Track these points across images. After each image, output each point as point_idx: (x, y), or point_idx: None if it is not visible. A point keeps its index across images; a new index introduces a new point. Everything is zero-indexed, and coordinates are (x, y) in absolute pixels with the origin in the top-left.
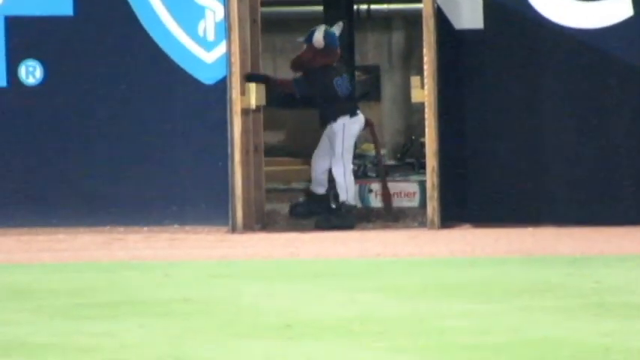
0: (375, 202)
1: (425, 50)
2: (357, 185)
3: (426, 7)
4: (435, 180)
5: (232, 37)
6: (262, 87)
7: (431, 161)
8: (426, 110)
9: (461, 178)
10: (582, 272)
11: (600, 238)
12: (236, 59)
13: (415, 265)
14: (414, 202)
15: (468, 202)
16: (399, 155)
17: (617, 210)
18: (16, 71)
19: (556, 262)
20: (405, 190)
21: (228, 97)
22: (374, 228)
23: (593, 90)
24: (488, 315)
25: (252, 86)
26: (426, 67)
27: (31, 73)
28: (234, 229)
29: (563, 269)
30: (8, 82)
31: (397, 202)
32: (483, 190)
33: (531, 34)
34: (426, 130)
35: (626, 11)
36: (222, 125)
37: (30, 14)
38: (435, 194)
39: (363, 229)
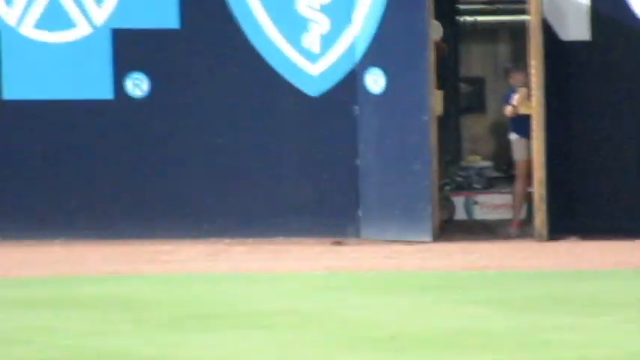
0: (480, 214)
1: (532, 62)
2: (463, 197)
3: (533, 19)
4: (543, 192)
5: None
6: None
7: (538, 173)
8: (534, 122)
9: (568, 191)
10: None
11: None
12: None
13: (521, 277)
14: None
15: (576, 214)
16: (504, 167)
17: None
18: (123, 84)
19: None
20: (511, 202)
21: (427, 104)
22: (478, 240)
23: None
24: (593, 328)
25: (440, 93)
26: (533, 79)
27: (137, 86)
28: (434, 238)
29: None
30: (115, 94)
31: (503, 214)
32: (591, 202)
33: (638, 45)
34: (534, 141)
35: None
36: (327, 137)
37: (137, 27)
38: (543, 206)
39: (468, 240)
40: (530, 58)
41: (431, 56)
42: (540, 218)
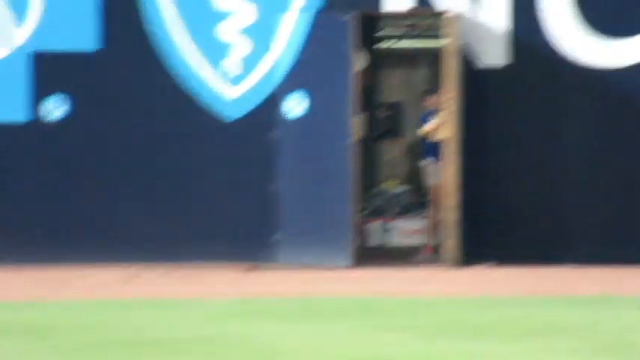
0: (396, 239)
1: (448, 88)
2: (379, 223)
3: (449, 45)
4: (457, 217)
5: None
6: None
7: (452, 198)
8: (449, 147)
9: (482, 217)
10: (602, 312)
11: (620, 279)
12: (357, 95)
13: (436, 304)
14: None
15: (489, 241)
16: (421, 192)
17: (637, 250)
18: (42, 106)
19: (576, 302)
20: (426, 228)
21: (349, 129)
22: (394, 266)
23: (616, 129)
24: (507, 355)
25: (361, 118)
26: (450, 104)
27: (56, 107)
28: (354, 264)
29: (584, 309)
30: (34, 116)
31: (419, 240)
32: (504, 228)
33: (554, 72)
34: (448, 167)
35: None
36: (243, 161)
37: (56, 49)
38: (457, 232)
39: (383, 266)
40: (446, 84)
41: (353, 81)
42: (453, 244)
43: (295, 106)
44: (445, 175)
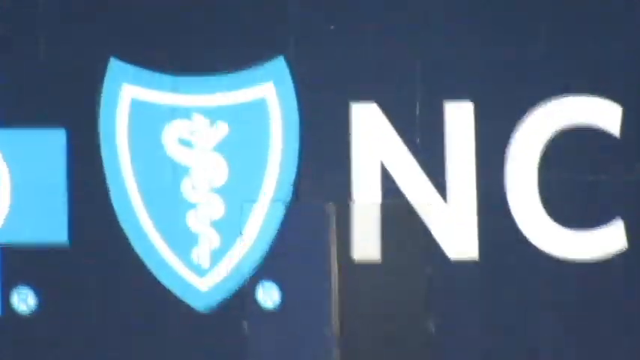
0: None
1: None
2: None
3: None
4: None
5: None
6: None
7: None
8: None
9: None
10: None
11: None
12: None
13: None
14: None
15: None
16: None
17: None
18: (8, 299)
19: None
20: None
21: (330, 318)
22: None
23: (591, 321)
24: None
25: None
26: None
27: (23, 300)
28: None
29: None
30: (0, 309)
31: None
32: None
33: (526, 265)
34: None
35: (620, 243)
36: (216, 353)
37: (24, 242)
38: None
39: None
40: None
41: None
42: None
43: (268, 296)
44: None
